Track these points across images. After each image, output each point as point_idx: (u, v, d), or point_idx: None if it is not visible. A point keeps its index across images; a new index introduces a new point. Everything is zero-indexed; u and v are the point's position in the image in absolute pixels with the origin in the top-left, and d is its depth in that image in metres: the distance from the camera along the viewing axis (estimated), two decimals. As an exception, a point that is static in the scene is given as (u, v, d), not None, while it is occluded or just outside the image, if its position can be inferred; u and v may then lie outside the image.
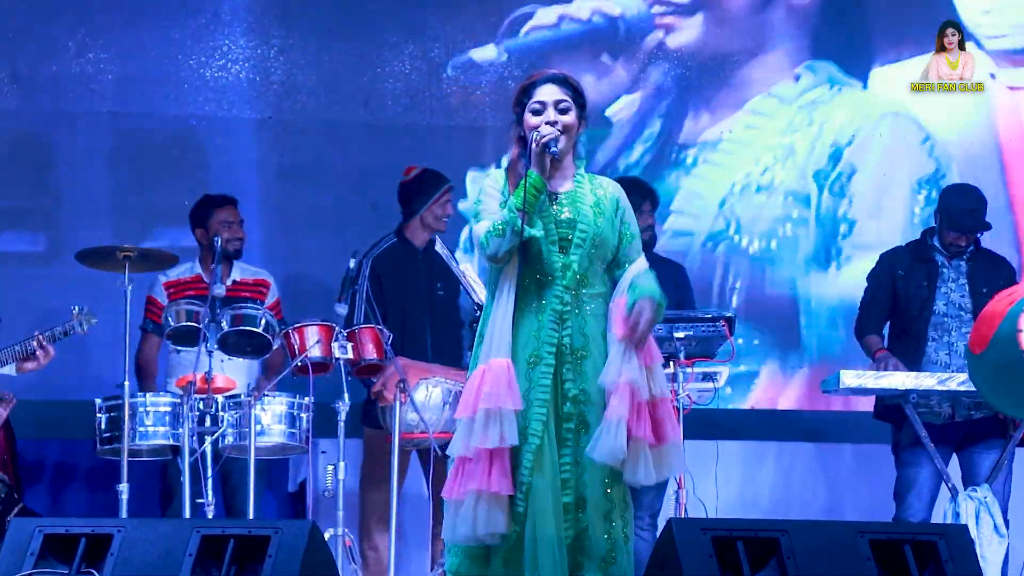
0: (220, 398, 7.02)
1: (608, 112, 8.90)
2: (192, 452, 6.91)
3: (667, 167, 8.94)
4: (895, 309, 7.60)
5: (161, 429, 7.00)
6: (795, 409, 8.90)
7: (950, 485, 7.32)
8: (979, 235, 7.56)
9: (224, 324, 7.00)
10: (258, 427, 6.97)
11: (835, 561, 5.18)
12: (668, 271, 7.78)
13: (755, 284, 8.88)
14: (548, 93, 5.41)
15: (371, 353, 7.05)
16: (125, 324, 7.03)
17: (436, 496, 6.89)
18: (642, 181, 8.04)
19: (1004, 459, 7.38)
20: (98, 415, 7.04)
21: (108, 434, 7.02)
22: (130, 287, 7.04)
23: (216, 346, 6.96)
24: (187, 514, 6.84)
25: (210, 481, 6.88)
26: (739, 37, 9.02)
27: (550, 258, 5.38)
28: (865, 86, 9.08)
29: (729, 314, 7.30)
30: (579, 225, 5.40)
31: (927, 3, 9.04)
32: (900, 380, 7.27)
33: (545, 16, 8.92)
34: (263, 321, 7.08)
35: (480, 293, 6.92)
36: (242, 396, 7.07)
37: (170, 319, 7.10)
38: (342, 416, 6.98)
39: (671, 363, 7.03)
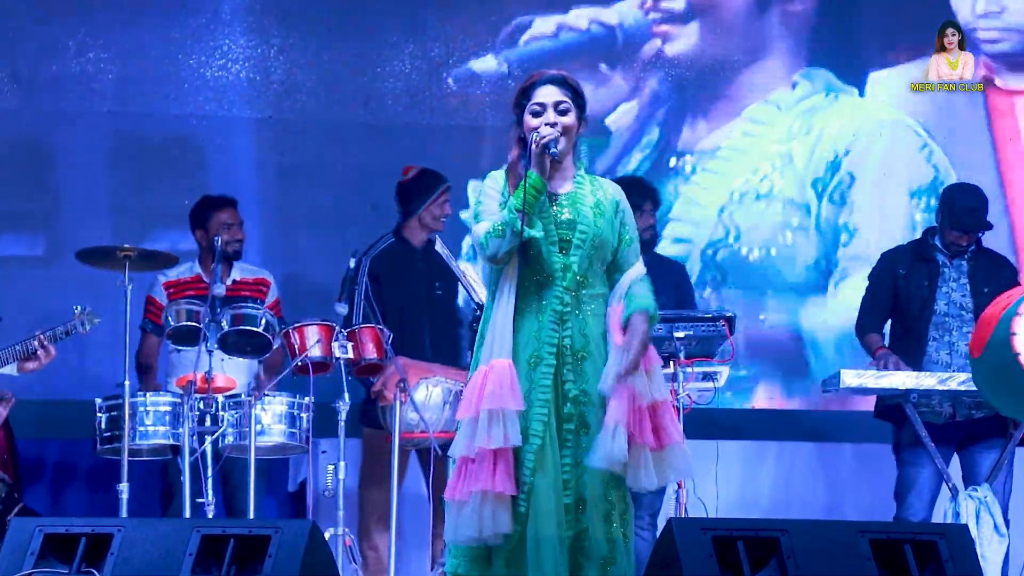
0: (220, 398, 7.02)
1: (607, 121, 8.90)
2: (192, 452, 6.91)
3: (665, 175, 8.94)
4: (896, 308, 7.60)
5: (161, 429, 6.99)
6: (795, 409, 8.90)
7: (950, 485, 7.32)
8: (980, 235, 7.56)
9: (224, 323, 7.00)
10: (258, 427, 6.97)
11: (835, 561, 5.18)
12: (668, 270, 7.79)
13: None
14: (547, 94, 5.40)
15: (371, 353, 7.05)
16: (125, 324, 7.03)
17: (436, 496, 6.90)
18: (643, 181, 8.04)
19: (1004, 459, 7.37)
20: (98, 415, 7.03)
21: (108, 433, 7.01)
22: (130, 287, 7.04)
23: (216, 345, 6.96)
24: (187, 514, 6.84)
25: (210, 481, 6.88)
26: (736, 44, 9.03)
27: (550, 259, 5.38)
28: (861, 93, 9.10)
29: (729, 314, 7.30)
30: (579, 226, 5.39)
31: (922, 9, 9.04)
32: (901, 380, 7.27)
33: (543, 26, 8.92)
34: (263, 320, 7.07)
35: (480, 293, 6.92)
36: (242, 396, 7.07)
37: (170, 319, 7.09)
38: (342, 416, 6.98)
39: (671, 363, 7.03)
